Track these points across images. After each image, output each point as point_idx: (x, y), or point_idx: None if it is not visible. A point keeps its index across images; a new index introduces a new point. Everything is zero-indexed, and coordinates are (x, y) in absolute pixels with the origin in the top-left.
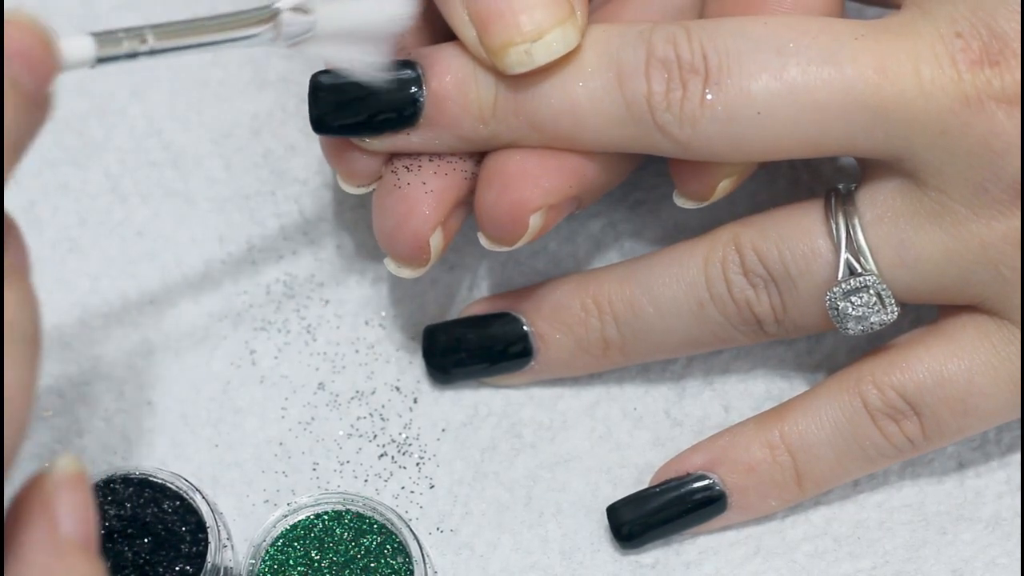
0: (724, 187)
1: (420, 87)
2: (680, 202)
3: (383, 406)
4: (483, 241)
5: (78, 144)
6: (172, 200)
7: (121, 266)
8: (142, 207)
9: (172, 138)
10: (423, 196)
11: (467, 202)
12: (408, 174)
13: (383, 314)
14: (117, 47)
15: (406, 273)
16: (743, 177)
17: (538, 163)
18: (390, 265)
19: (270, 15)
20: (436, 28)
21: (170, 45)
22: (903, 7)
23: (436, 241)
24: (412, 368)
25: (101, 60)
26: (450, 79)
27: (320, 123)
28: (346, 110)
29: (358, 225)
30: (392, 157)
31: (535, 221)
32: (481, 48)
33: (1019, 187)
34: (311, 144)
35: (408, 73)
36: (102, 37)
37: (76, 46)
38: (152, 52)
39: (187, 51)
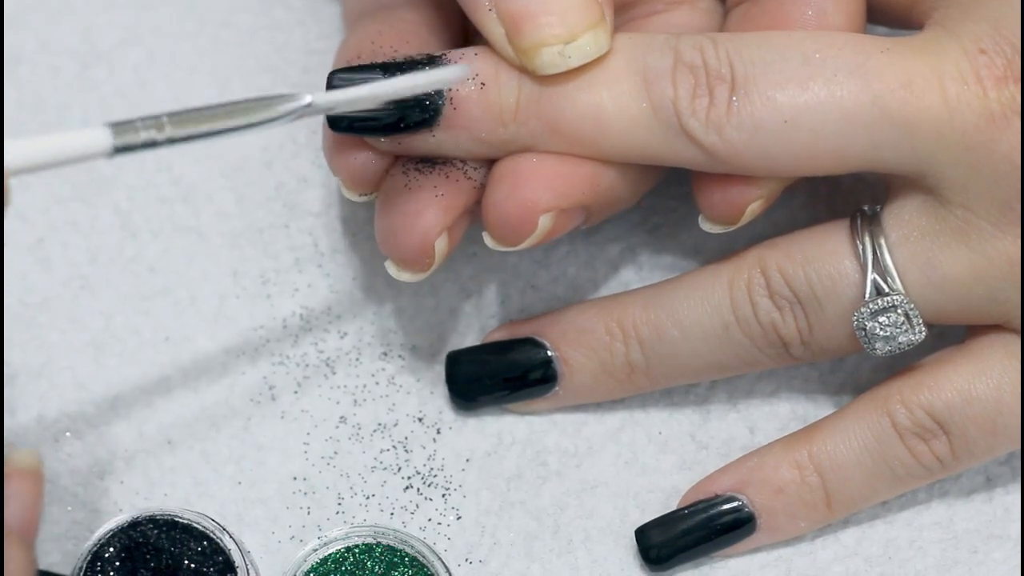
0: (752, 210)
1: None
2: (707, 227)
3: (406, 438)
4: (488, 241)
5: (86, 180)
6: (184, 235)
7: (134, 303)
8: (153, 243)
9: (182, 173)
10: (433, 199)
11: (473, 211)
12: (419, 176)
13: (402, 345)
14: (134, 136)
15: (406, 276)
16: (770, 201)
17: (553, 165)
18: (390, 268)
19: (291, 99)
20: (453, 25)
21: (189, 132)
22: (926, 27)
23: (441, 246)
24: (434, 399)
25: (119, 150)
26: (472, 79)
27: (336, 120)
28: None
29: (374, 256)
30: (402, 158)
31: (544, 223)
32: (508, 47)
33: None
34: (324, 176)
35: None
36: (119, 127)
37: (92, 138)
38: (171, 141)
39: (207, 138)
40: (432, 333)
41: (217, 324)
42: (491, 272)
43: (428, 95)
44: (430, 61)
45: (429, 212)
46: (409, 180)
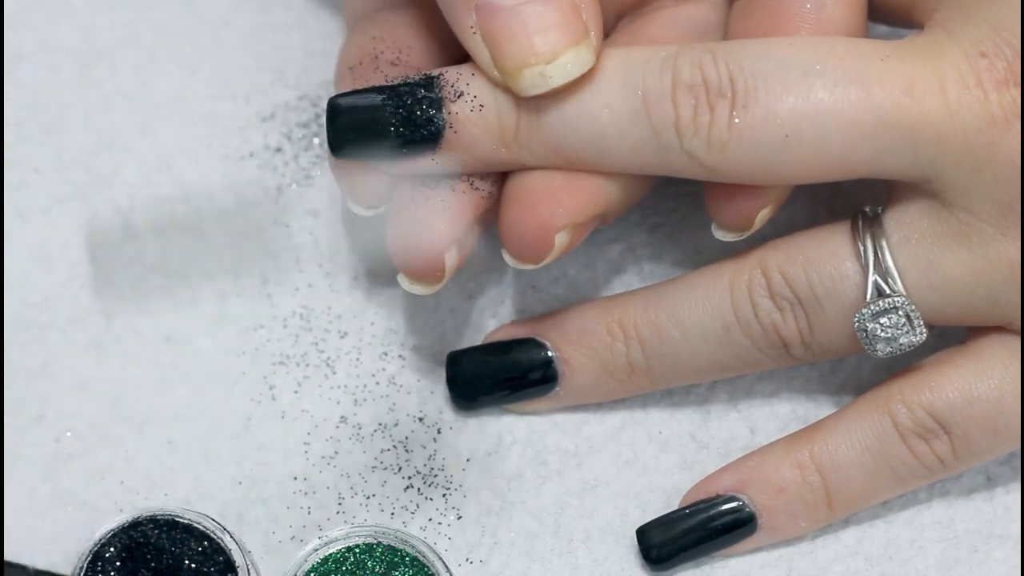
0: (763, 216)
1: (440, 110)
2: (720, 235)
3: (407, 438)
4: (508, 259)
5: (86, 179)
6: (184, 235)
7: (134, 303)
8: (153, 242)
9: (182, 172)
10: (441, 213)
11: (483, 220)
12: (426, 190)
13: (402, 345)
14: None
15: (419, 290)
16: (779, 205)
17: (563, 183)
18: (403, 281)
19: None
20: (449, 49)
21: None
22: (926, 28)
23: (451, 259)
24: (434, 398)
25: None
26: (471, 102)
27: (337, 147)
28: (364, 135)
29: None
30: None
31: (560, 240)
32: (495, 70)
33: None
34: (324, 176)
35: (428, 95)
36: None
37: None
38: None
39: None
40: (432, 333)
41: (218, 324)
42: (491, 272)
43: (429, 118)
44: (427, 82)
45: (437, 226)
46: (416, 195)
